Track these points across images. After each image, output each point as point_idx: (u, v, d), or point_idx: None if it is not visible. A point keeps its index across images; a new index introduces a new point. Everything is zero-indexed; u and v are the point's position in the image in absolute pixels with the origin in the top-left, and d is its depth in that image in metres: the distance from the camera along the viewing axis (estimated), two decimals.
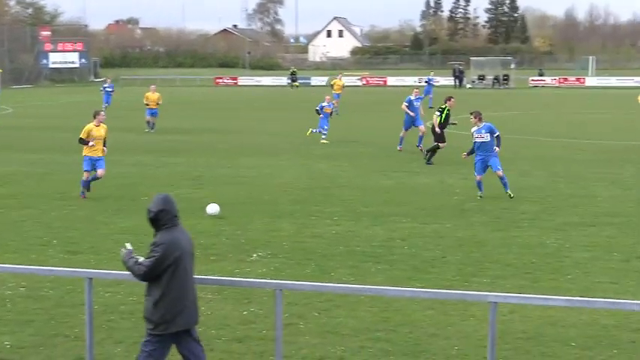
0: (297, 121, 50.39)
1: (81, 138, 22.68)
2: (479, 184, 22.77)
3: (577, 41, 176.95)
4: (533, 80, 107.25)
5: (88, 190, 23.02)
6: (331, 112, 37.66)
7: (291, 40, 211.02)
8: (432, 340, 11.53)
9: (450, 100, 29.92)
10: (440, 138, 29.61)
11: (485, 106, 59.86)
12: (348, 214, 20.38)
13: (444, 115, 29.53)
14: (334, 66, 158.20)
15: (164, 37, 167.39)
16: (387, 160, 30.57)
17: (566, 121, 48.79)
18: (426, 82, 67.02)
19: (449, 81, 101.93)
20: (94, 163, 22.65)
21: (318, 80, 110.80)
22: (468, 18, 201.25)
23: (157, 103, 43.01)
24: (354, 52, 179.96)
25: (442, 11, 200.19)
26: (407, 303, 12.92)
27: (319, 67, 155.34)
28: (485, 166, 22.64)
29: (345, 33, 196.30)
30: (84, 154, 22.80)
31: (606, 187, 24.59)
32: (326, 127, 37.10)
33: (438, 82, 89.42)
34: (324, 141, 36.72)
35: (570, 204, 21.82)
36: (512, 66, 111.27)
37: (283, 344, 9.74)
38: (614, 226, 19.03)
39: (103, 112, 23.44)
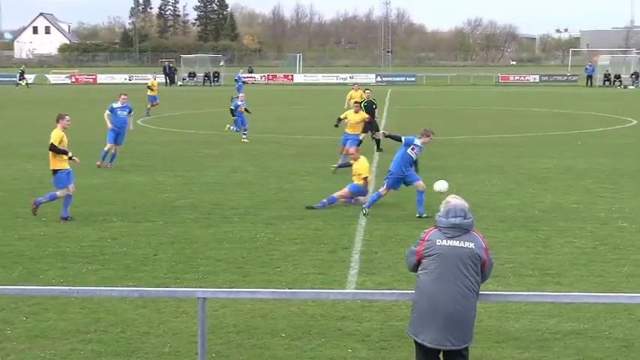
0: (5, 119, 48.79)
1: (54, 145, 19.19)
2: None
3: (285, 39, 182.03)
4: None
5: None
6: (245, 109, 37.39)
7: None
8: (144, 338, 11.49)
9: (364, 91, 34.21)
10: (375, 127, 31.38)
11: (197, 103, 60.27)
12: (58, 214, 19.88)
13: (363, 106, 30.85)
14: (42, 63, 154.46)
15: None
16: (97, 159, 30.02)
17: (276, 117, 49.87)
18: (235, 80, 66.79)
19: (160, 79, 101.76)
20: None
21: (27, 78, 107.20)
22: (178, 15, 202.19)
23: None
24: (63, 49, 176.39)
25: (151, 8, 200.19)
26: (118, 303, 12.80)
27: (27, 65, 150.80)
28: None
29: (53, 29, 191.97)
30: (59, 167, 19.44)
31: (313, 180, 25.36)
32: (245, 125, 36.90)
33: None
34: (245, 140, 36.19)
35: (280, 198, 22.33)
36: (222, 63, 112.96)
37: None
38: (321, 218, 19.62)
39: (68, 117, 19.78)
